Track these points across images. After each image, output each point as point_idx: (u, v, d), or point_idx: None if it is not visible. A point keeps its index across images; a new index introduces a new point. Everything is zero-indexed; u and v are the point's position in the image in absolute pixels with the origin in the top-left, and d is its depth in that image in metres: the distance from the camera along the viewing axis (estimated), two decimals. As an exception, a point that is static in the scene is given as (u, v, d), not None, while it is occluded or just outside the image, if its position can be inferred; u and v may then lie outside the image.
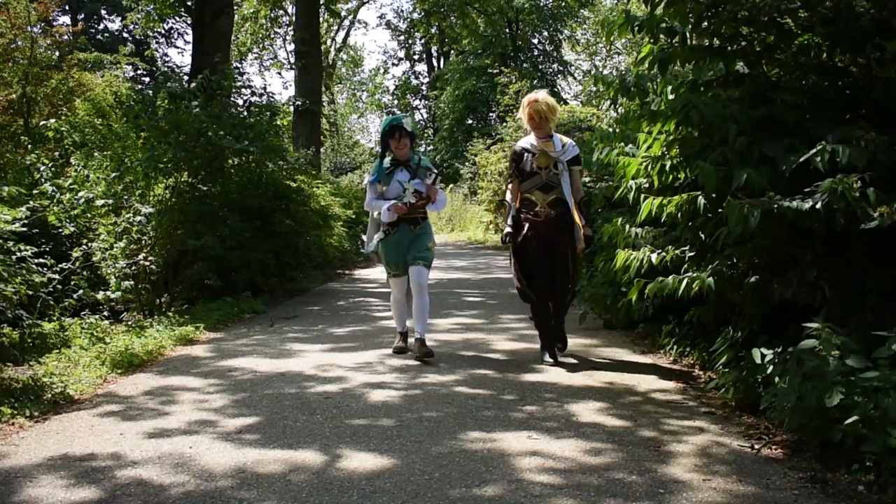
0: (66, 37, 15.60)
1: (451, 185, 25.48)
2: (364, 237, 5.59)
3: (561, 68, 32.41)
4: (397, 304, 5.60)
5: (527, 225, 5.09)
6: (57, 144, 9.31)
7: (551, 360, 5.15)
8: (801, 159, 3.54)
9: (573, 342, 5.64)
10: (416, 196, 5.25)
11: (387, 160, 5.37)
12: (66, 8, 26.26)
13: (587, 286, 6.38)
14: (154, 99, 8.26)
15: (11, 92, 12.02)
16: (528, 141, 5.20)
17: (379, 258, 5.54)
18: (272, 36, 24.12)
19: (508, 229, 5.14)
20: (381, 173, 5.35)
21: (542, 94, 5.07)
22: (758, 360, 3.66)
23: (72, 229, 7.58)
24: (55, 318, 6.16)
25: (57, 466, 3.19)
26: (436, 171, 5.37)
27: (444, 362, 5.20)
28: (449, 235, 23.46)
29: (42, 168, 8.06)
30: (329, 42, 33.01)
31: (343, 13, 29.30)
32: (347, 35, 36.68)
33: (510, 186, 5.29)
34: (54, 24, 16.19)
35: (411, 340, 5.45)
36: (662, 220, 4.47)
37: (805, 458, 3.20)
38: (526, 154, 5.16)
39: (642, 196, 4.53)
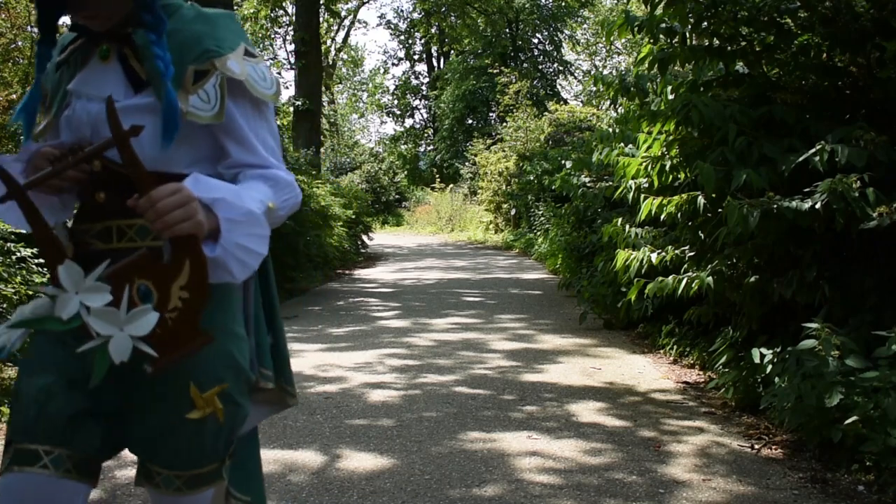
0: (66, 37, 15.61)
1: (451, 185, 25.45)
2: None
3: (561, 68, 32.42)
4: None
5: None
6: (57, 144, 9.32)
7: None
8: (801, 159, 3.54)
9: (573, 342, 5.60)
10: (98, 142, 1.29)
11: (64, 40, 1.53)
12: (66, 8, 26.24)
13: (587, 286, 6.39)
14: (154, 99, 8.26)
15: (11, 92, 12.01)
16: None
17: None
18: (272, 36, 24.13)
19: None
20: (36, 92, 1.50)
21: None
22: (757, 360, 3.67)
23: (72, 229, 7.58)
24: (55, 318, 6.15)
25: (57, 466, 3.19)
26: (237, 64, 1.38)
27: (444, 362, 5.20)
28: (449, 235, 23.44)
29: (42, 168, 8.07)
30: (329, 42, 32.94)
31: (343, 13, 29.26)
32: (347, 35, 36.61)
33: None
34: (54, 24, 16.20)
35: None
36: (662, 220, 4.48)
37: (805, 458, 3.20)
38: None
39: (642, 196, 4.53)
